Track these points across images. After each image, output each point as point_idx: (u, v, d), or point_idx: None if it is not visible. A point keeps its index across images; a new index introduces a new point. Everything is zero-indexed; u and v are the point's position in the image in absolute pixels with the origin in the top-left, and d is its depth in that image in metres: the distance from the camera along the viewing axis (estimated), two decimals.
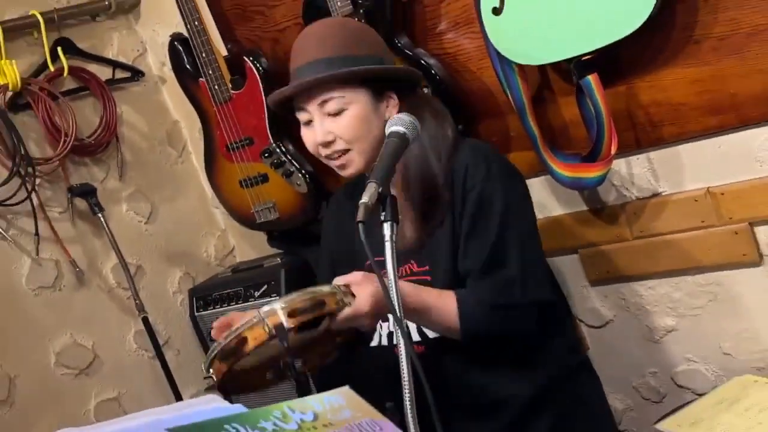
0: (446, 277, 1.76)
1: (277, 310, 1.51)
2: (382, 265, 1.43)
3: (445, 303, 1.69)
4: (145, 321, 2.61)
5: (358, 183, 1.82)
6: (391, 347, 1.83)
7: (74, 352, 2.63)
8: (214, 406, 0.97)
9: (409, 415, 1.37)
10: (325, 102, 1.74)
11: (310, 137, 1.80)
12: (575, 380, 1.88)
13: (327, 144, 1.77)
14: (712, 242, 2.06)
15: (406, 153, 1.61)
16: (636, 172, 2.13)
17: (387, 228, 1.46)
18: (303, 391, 1.69)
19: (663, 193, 2.11)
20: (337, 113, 1.74)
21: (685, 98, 1.98)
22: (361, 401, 0.92)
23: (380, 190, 1.46)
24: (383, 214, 1.47)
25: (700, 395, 2.01)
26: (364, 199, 1.45)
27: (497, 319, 1.69)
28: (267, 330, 1.50)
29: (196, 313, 2.76)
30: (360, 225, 1.42)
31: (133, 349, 2.76)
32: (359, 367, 1.89)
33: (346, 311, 1.57)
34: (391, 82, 1.79)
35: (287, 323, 1.50)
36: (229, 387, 1.67)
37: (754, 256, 2.02)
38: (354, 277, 1.63)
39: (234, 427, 0.93)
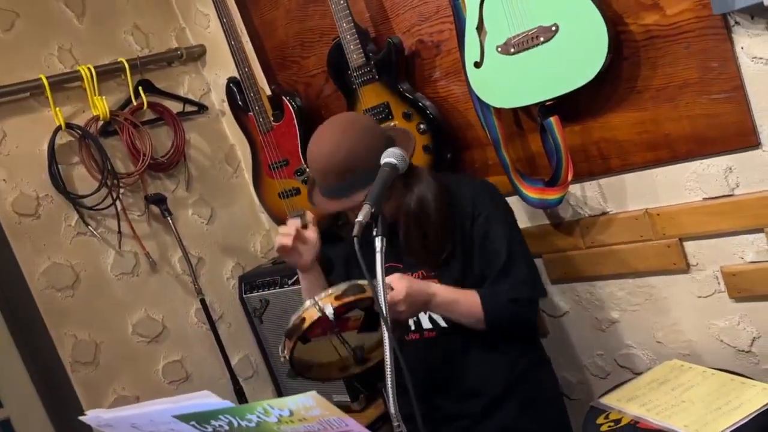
0: (452, 284, 1.70)
1: (327, 294, 1.49)
2: (394, 270, 1.40)
3: (469, 298, 1.65)
4: (203, 301, 2.58)
5: None
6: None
7: (147, 324, 2.59)
8: (209, 401, 0.91)
9: (389, 384, 1.31)
10: (349, 209, 1.68)
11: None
12: (538, 370, 1.84)
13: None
14: (648, 253, 1.98)
15: (410, 197, 1.66)
16: (588, 195, 2.05)
17: (378, 241, 1.40)
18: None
19: (610, 212, 2.03)
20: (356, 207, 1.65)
21: (628, 136, 1.90)
22: (327, 403, 0.86)
23: (373, 210, 1.42)
24: (375, 229, 1.42)
25: (637, 374, 1.97)
26: (359, 217, 1.40)
27: (516, 310, 1.67)
28: (318, 308, 1.47)
29: (243, 295, 2.71)
30: (355, 239, 1.37)
31: (194, 322, 2.71)
32: None
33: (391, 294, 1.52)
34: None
35: (334, 303, 1.47)
36: (296, 366, 1.60)
37: (683, 265, 1.94)
38: (392, 276, 1.58)
39: (226, 417, 0.89)
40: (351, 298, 1.49)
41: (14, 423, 2.33)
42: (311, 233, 1.81)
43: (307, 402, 0.84)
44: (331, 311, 1.47)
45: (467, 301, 1.66)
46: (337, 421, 0.87)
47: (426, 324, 1.78)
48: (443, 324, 1.76)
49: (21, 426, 2.33)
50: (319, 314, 1.47)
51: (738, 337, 1.93)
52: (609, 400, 1.77)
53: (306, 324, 1.48)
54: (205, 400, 0.90)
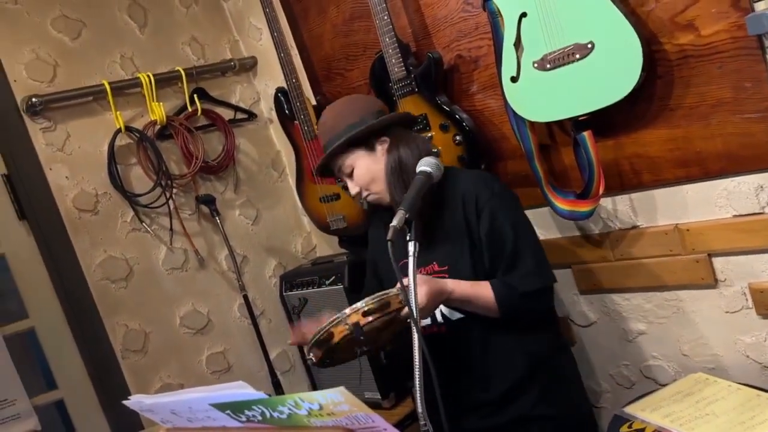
0: (462, 277, 1.68)
1: (354, 311, 1.50)
2: (405, 270, 1.38)
3: (483, 292, 1.63)
4: (245, 297, 2.59)
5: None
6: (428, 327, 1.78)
7: (194, 317, 2.62)
8: (243, 391, 0.91)
9: (417, 384, 1.30)
10: (339, 169, 1.77)
11: (351, 192, 1.80)
12: (558, 359, 1.79)
13: (357, 194, 1.77)
14: (677, 267, 1.93)
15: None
16: (619, 209, 2.00)
17: (411, 246, 1.39)
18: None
19: (640, 226, 1.98)
20: (351, 173, 1.75)
21: (660, 153, 1.86)
22: (355, 399, 0.85)
23: (407, 216, 1.41)
24: (409, 234, 1.41)
25: (662, 386, 1.91)
26: (394, 222, 1.40)
27: (526, 302, 1.63)
28: (347, 327, 1.49)
29: (284, 293, 2.72)
30: (389, 243, 1.36)
31: (237, 316, 2.73)
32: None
33: (407, 309, 1.51)
34: (376, 133, 1.73)
35: (362, 322, 1.49)
36: (326, 364, 1.64)
37: (711, 280, 1.88)
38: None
39: (259, 408, 0.88)
40: (377, 315, 1.50)
41: (67, 403, 2.37)
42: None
43: (336, 397, 0.83)
44: (359, 330, 1.49)
45: (482, 296, 1.63)
46: (364, 417, 0.86)
47: (439, 318, 1.75)
48: (454, 317, 1.73)
49: (73, 407, 2.38)
50: (347, 331, 1.49)
51: (765, 353, 1.86)
52: (633, 410, 1.72)
53: (335, 339, 1.51)
54: (241, 390, 0.90)
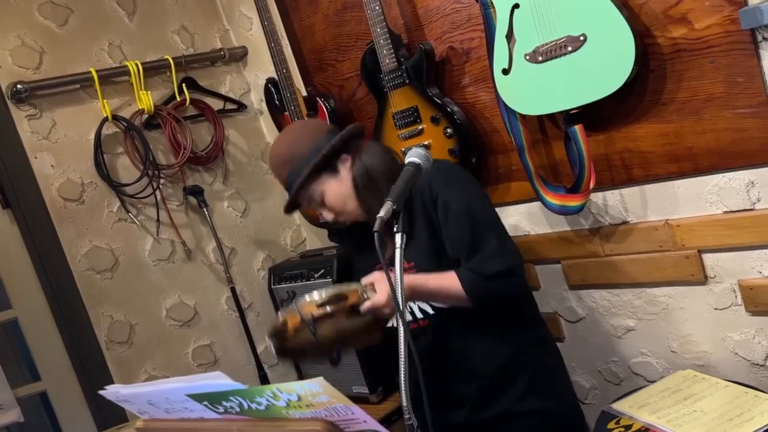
0: (428, 270, 1.64)
1: (308, 301, 1.47)
2: (390, 262, 1.35)
3: (450, 283, 1.58)
4: (233, 290, 2.58)
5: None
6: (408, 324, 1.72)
7: (180, 309, 2.60)
8: (221, 381, 0.89)
9: (402, 378, 1.28)
10: (310, 200, 1.70)
11: (326, 219, 1.75)
12: (543, 353, 1.76)
13: (334, 220, 1.73)
14: (667, 263, 1.92)
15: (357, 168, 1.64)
16: (610, 204, 1.99)
17: (398, 237, 1.37)
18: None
19: (630, 222, 1.97)
20: (321, 201, 1.69)
21: (651, 148, 1.84)
22: (334, 390, 0.83)
23: (395, 207, 1.39)
24: (396, 226, 1.38)
25: (651, 382, 1.90)
26: (381, 213, 1.37)
27: (494, 284, 1.57)
28: (299, 316, 1.46)
29: (272, 286, 2.69)
30: (376, 234, 1.34)
31: (224, 309, 2.71)
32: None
33: (367, 303, 1.50)
34: (334, 155, 1.67)
35: (315, 312, 1.46)
36: (286, 353, 1.62)
37: (701, 277, 1.87)
38: (375, 276, 1.54)
39: (236, 399, 0.86)
40: (332, 308, 1.48)
41: (50, 395, 2.35)
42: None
43: (315, 388, 0.82)
44: (311, 319, 1.46)
45: (449, 287, 1.58)
46: (344, 409, 0.84)
47: (418, 314, 1.72)
48: (430, 310, 1.70)
49: (56, 398, 2.35)
50: (299, 321, 1.47)
51: (753, 350, 1.85)
52: (621, 406, 1.72)
53: (288, 328, 1.48)
54: (218, 380, 0.88)
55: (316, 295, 1.49)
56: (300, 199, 1.71)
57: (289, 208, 1.78)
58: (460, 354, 1.70)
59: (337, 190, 1.67)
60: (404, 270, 1.68)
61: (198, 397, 0.93)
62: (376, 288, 1.51)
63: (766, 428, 1.47)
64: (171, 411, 1.03)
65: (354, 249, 1.94)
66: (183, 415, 1.03)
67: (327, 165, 1.67)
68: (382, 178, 1.62)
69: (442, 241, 1.64)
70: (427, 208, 1.64)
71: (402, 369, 1.29)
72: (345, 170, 1.68)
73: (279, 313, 1.52)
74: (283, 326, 1.48)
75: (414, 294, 1.59)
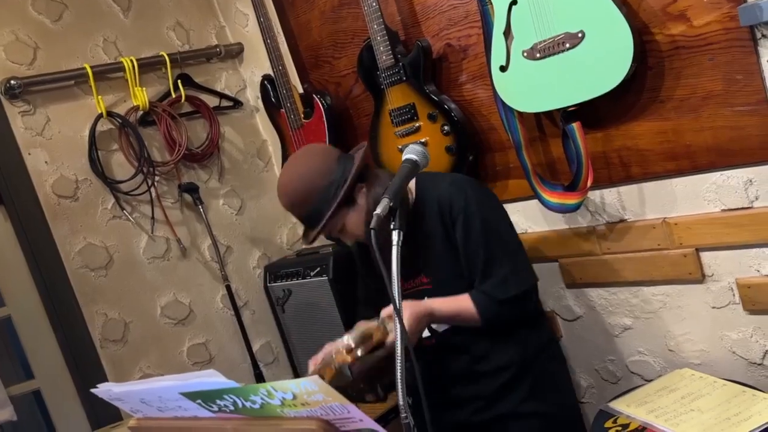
0: (444, 286, 1.67)
1: (338, 349, 1.48)
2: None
3: (464, 306, 1.62)
4: (228, 288, 2.57)
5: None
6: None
7: (175, 307, 2.58)
8: (215, 379, 0.88)
9: (399, 377, 1.27)
10: (329, 232, 1.72)
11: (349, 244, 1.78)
12: (546, 356, 1.77)
13: (356, 242, 1.75)
14: (665, 262, 1.91)
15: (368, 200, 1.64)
16: (607, 202, 1.98)
17: (395, 235, 1.36)
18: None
19: (628, 220, 1.96)
20: (342, 230, 1.70)
21: (649, 146, 1.83)
22: (330, 388, 0.82)
23: (391, 204, 1.37)
24: (393, 223, 1.37)
25: (648, 381, 1.89)
26: (378, 210, 1.36)
27: (506, 308, 1.61)
28: (334, 367, 1.47)
29: (268, 284, 2.69)
30: (372, 232, 1.32)
31: (220, 307, 2.70)
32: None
33: (391, 336, 1.50)
34: (351, 189, 1.67)
35: (348, 360, 1.47)
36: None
37: (698, 275, 1.86)
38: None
39: (230, 397, 0.85)
40: (362, 350, 1.48)
41: (44, 393, 2.33)
42: None
43: (310, 386, 0.80)
44: (346, 368, 1.47)
45: (464, 311, 1.62)
46: (340, 408, 0.83)
47: (425, 332, 1.71)
48: (441, 329, 1.72)
49: (50, 397, 2.33)
50: (334, 371, 1.48)
51: (750, 349, 1.84)
52: (618, 405, 1.71)
53: (326, 380, 1.46)
54: (211, 378, 0.87)
55: (346, 341, 1.49)
56: (322, 233, 1.72)
57: (312, 241, 1.77)
58: (466, 363, 1.70)
59: (357, 219, 1.68)
60: (421, 286, 1.69)
61: (191, 396, 0.92)
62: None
63: (763, 427, 1.47)
64: (164, 409, 1.01)
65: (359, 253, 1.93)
66: (176, 414, 1.01)
67: (346, 200, 1.67)
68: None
69: (456, 257, 1.66)
70: (446, 225, 1.65)
71: (399, 367, 1.28)
72: (361, 199, 1.68)
73: (310, 368, 1.51)
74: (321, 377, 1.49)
75: (432, 319, 1.61)
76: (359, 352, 1.47)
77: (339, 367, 1.46)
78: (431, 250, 1.68)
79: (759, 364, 1.84)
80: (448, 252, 1.65)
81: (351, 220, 1.68)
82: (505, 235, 1.68)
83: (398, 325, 1.30)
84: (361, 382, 1.52)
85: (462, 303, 1.62)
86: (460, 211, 1.63)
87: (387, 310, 1.55)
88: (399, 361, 1.29)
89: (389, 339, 1.51)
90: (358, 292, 1.98)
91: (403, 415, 1.28)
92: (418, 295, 1.67)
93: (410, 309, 1.54)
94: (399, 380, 1.27)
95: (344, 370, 1.46)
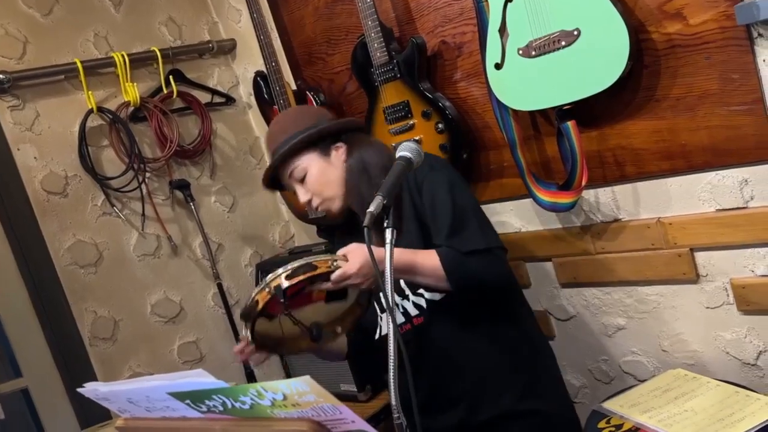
0: None
1: (277, 274, 1.41)
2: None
3: (428, 258, 1.54)
4: (220, 286, 2.55)
5: (350, 217, 1.70)
6: (402, 325, 1.69)
7: (165, 305, 2.56)
8: (203, 379, 0.86)
9: (391, 376, 1.24)
10: (290, 174, 1.66)
11: (299, 201, 1.71)
12: (537, 353, 1.74)
13: (308, 202, 1.68)
14: (659, 261, 1.90)
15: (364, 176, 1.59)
16: (602, 201, 1.97)
17: (388, 233, 1.34)
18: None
19: (622, 220, 1.95)
20: (302, 178, 1.66)
21: (644, 145, 1.82)
22: (322, 389, 0.80)
23: (385, 202, 1.35)
24: (387, 221, 1.35)
25: (641, 381, 1.88)
26: (371, 208, 1.33)
27: (474, 262, 1.54)
28: (269, 291, 1.40)
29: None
30: (365, 229, 1.30)
31: (211, 306, 2.67)
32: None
33: (338, 272, 1.45)
34: (330, 138, 1.66)
35: (285, 283, 1.39)
36: (266, 344, 1.54)
37: (692, 275, 1.86)
38: (350, 247, 1.50)
39: (220, 398, 0.83)
40: (302, 277, 1.42)
41: (32, 392, 2.30)
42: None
43: (301, 387, 0.79)
44: (281, 291, 1.39)
45: (426, 261, 1.54)
46: (331, 408, 0.81)
47: (413, 311, 1.69)
48: (425, 304, 1.66)
49: (38, 395, 2.30)
50: (269, 296, 1.41)
51: (744, 350, 1.84)
52: (611, 405, 1.70)
53: (260, 306, 1.42)
54: (199, 378, 0.85)
55: (287, 266, 1.43)
56: (282, 168, 1.67)
57: (269, 180, 1.73)
58: (454, 359, 1.67)
59: (322, 171, 1.65)
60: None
61: (180, 396, 0.90)
62: (348, 258, 1.47)
63: (757, 428, 1.46)
64: (152, 410, 0.99)
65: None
66: (164, 414, 0.99)
67: (319, 144, 1.65)
68: (379, 174, 1.58)
69: (427, 229, 1.61)
70: (414, 197, 1.62)
71: (391, 366, 1.26)
72: (337, 158, 1.66)
73: (250, 296, 1.45)
74: (254, 305, 1.42)
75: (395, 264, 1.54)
76: (299, 279, 1.40)
77: (274, 289, 1.39)
78: (407, 232, 1.62)
79: (753, 365, 1.84)
80: (419, 227, 1.62)
81: (316, 168, 1.64)
82: (470, 202, 1.64)
83: (391, 325, 1.28)
84: (292, 312, 1.45)
85: (424, 254, 1.55)
86: (425, 179, 1.60)
87: (343, 249, 1.49)
88: (391, 359, 1.27)
89: (334, 275, 1.44)
90: None
91: (395, 415, 1.27)
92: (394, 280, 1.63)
93: (363, 252, 1.44)
94: (391, 379, 1.25)
95: (278, 293, 1.38)
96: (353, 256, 1.47)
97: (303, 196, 1.68)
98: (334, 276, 1.46)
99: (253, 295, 1.43)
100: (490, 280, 1.59)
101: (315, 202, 1.68)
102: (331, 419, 0.84)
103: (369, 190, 1.57)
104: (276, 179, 1.73)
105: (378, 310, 1.75)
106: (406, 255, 1.54)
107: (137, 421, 1.04)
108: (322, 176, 1.65)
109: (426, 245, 1.60)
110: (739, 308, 1.81)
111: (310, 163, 1.65)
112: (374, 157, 1.64)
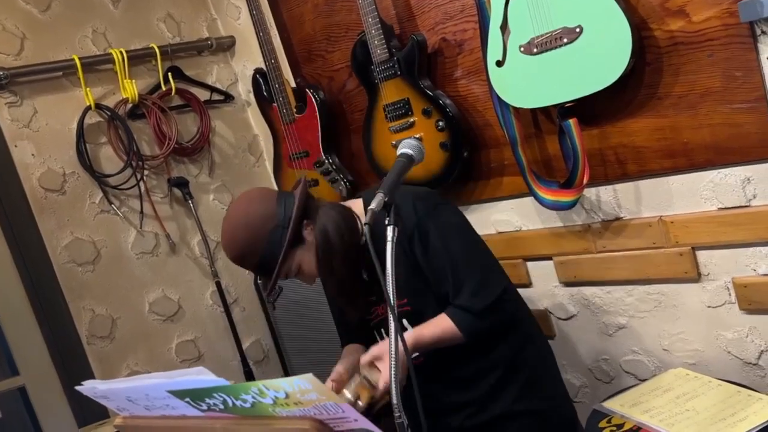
0: (421, 306, 1.61)
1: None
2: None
3: (446, 328, 1.55)
4: (218, 284, 2.54)
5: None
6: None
7: (164, 303, 2.55)
8: (203, 377, 0.85)
9: (393, 376, 1.23)
10: (287, 275, 1.62)
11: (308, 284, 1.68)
12: (534, 353, 1.72)
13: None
14: (660, 260, 1.89)
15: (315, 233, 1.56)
16: (603, 199, 1.96)
17: (389, 231, 1.33)
18: None
19: (624, 218, 1.94)
20: (298, 271, 1.61)
21: (646, 143, 1.81)
22: (324, 387, 0.79)
23: (386, 199, 1.34)
24: (387, 219, 1.34)
25: (642, 381, 1.87)
26: (372, 205, 1.32)
27: (486, 318, 1.55)
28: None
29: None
30: (366, 227, 1.29)
31: (209, 304, 2.66)
32: None
33: (382, 389, 1.45)
34: (298, 229, 1.58)
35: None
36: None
37: (694, 274, 1.84)
38: (374, 353, 1.50)
39: (220, 396, 0.82)
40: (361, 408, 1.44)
41: (29, 390, 2.29)
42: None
43: (304, 385, 0.77)
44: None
45: (445, 333, 1.55)
46: (334, 407, 0.80)
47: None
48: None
49: (35, 394, 2.29)
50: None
51: (746, 349, 1.83)
52: (612, 405, 1.69)
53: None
54: (200, 376, 0.84)
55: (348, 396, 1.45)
56: (279, 279, 1.62)
57: (271, 291, 1.67)
58: (455, 365, 1.65)
59: (310, 257, 1.59)
60: (402, 309, 1.63)
61: (180, 394, 0.88)
62: (380, 367, 1.48)
63: (759, 428, 1.45)
64: (151, 408, 0.98)
65: None
66: (164, 413, 0.98)
67: (295, 241, 1.58)
68: (340, 242, 1.56)
69: (424, 276, 1.59)
70: (402, 245, 1.55)
71: (392, 366, 1.25)
72: (310, 236, 1.59)
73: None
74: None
75: (417, 349, 1.55)
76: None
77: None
78: (399, 271, 1.61)
79: (754, 364, 1.83)
80: (414, 270, 1.58)
81: (305, 259, 1.59)
82: (465, 242, 1.60)
83: (393, 323, 1.27)
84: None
85: (442, 324, 1.56)
86: (413, 227, 1.55)
87: (368, 355, 1.49)
88: (393, 360, 1.26)
89: (377, 395, 1.46)
90: (333, 315, 1.92)
91: (397, 414, 1.26)
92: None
93: (385, 349, 1.48)
94: (393, 379, 1.24)
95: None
96: (383, 365, 1.47)
97: (309, 282, 1.66)
98: (377, 396, 1.47)
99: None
100: (499, 326, 1.63)
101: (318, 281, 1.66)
102: (334, 418, 0.83)
103: (336, 260, 1.56)
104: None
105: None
106: (428, 334, 1.55)
107: (136, 420, 1.03)
108: (311, 262, 1.59)
109: (421, 292, 1.59)
110: (741, 307, 1.80)
111: (298, 260, 1.59)
112: (332, 223, 1.58)
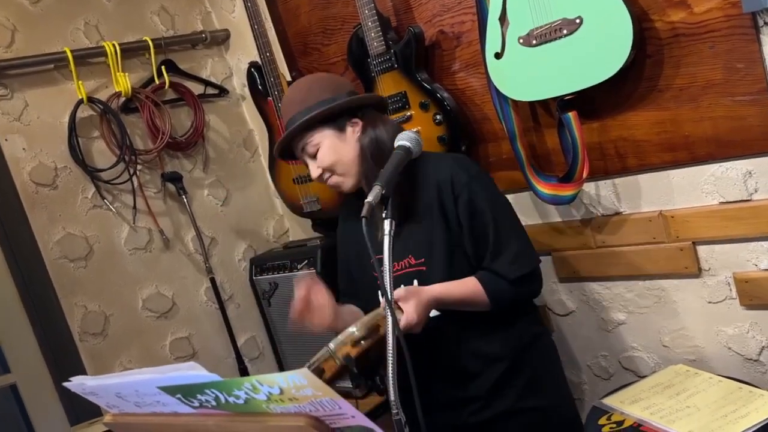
0: (439, 268, 1.59)
1: (342, 341, 1.37)
2: (382, 262, 1.29)
3: (473, 290, 1.55)
4: (213, 281, 2.50)
5: (359, 197, 1.63)
6: None
7: (157, 300, 2.51)
8: (195, 373, 0.82)
9: (390, 372, 1.23)
10: (303, 149, 1.63)
11: (312, 175, 1.67)
12: (539, 348, 1.71)
13: (319, 177, 1.64)
14: (660, 255, 1.87)
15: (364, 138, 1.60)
16: (602, 194, 1.94)
17: (387, 224, 1.31)
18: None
19: (623, 213, 1.92)
20: (314, 153, 1.62)
21: (647, 136, 1.79)
22: (320, 382, 0.76)
23: (383, 192, 1.33)
24: (385, 212, 1.33)
25: (641, 377, 1.87)
26: (369, 198, 1.31)
27: (518, 288, 1.56)
28: (337, 362, 1.35)
29: (254, 277, 2.63)
30: (363, 220, 1.27)
31: (204, 300, 2.63)
32: None
33: (403, 326, 1.42)
34: (347, 113, 1.62)
35: (353, 353, 1.36)
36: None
37: (695, 269, 1.83)
38: (398, 294, 1.46)
39: (212, 392, 0.80)
40: (370, 342, 1.38)
41: (20, 388, 2.26)
42: (321, 297, 1.61)
43: (299, 380, 0.75)
44: (352, 361, 1.35)
45: (473, 294, 1.55)
46: (330, 403, 0.77)
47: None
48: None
49: (26, 391, 2.26)
50: (338, 366, 1.36)
51: (747, 345, 1.81)
52: (612, 402, 1.68)
53: (326, 376, 1.37)
54: (191, 372, 0.81)
55: (351, 332, 1.38)
56: (295, 141, 1.64)
57: (282, 150, 1.69)
58: (456, 358, 1.63)
59: (335, 147, 1.61)
60: (410, 267, 1.62)
61: (171, 390, 0.86)
62: (403, 307, 1.45)
63: (760, 425, 1.44)
64: (142, 405, 0.96)
65: (344, 232, 1.85)
66: (155, 409, 0.96)
67: (335, 119, 1.61)
68: (390, 153, 1.54)
69: (455, 238, 1.59)
70: (445, 202, 1.58)
71: (390, 362, 1.23)
72: (351, 133, 1.63)
73: (312, 361, 1.38)
74: (319, 374, 1.36)
75: (439, 305, 1.54)
76: (363, 344, 1.37)
77: (344, 359, 1.35)
78: (424, 230, 1.59)
79: (755, 360, 1.81)
80: (444, 232, 1.58)
81: (329, 143, 1.60)
82: (510, 215, 1.63)
83: (390, 317, 1.25)
84: (362, 373, 1.41)
85: (470, 286, 1.55)
86: (463, 188, 1.56)
87: (396, 293, 1.46)
88: (390, 355, 1.24)
89: (401, 328, 1.41)
90: (338, 283, 1.90)
91: (395, 411, 1.24)
92: (408, 277, 1.60)
93: (416, 297, 1.46)
94: (390, 376, 1.22)
95: (349, 364, 1.35)
96: (408, 306, 1.45)
97: (314, 171, 1.65)
98: (401, 330, 1.40)
99: (316, 362, 1.36)
100: (525, 299, 1.66)
101: (326, 178, 1.65)
102: (330, 414, 0.80)
103: (377, 170, 1.52)
104: (289, 150, 1.69)
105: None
106: (454, 291, 1.55)
107: (126, 417, 1.00)
108: (334, 153, 1.61)
109: (449, 252, 1.59)
110: (742, 303, 1.79)
111: (323, 140, 1.61)
112: (388, 137, 1.59)
